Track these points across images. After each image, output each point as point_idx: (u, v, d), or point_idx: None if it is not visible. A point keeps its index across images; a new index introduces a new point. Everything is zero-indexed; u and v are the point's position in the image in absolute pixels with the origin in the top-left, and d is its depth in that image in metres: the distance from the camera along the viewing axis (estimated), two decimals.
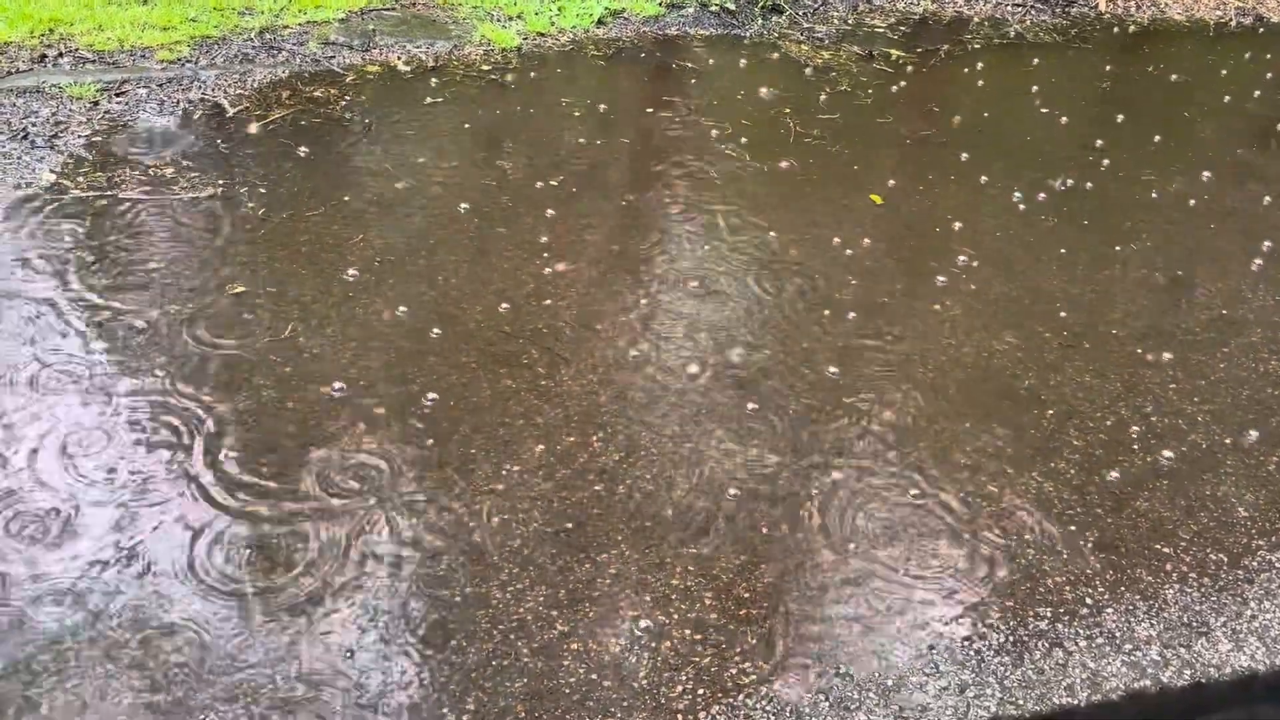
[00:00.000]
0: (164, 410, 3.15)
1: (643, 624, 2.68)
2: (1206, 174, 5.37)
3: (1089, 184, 5.14)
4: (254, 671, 2.45)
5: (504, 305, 3.78)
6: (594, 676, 2.54)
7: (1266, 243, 4.80)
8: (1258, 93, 6.52)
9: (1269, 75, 6.87)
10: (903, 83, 6.10)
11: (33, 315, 3.46)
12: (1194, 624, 2.89)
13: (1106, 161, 5.39)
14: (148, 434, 3.06)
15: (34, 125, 4.57)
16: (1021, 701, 2.59)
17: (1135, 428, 3.58)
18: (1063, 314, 4.13)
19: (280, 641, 2.52)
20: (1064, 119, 5.86)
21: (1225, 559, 3.12)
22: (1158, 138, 5.71)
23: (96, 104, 4.79)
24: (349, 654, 2.51)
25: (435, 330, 3.62)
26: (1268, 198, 5.24)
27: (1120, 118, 5.94)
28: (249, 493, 2.91)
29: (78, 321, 3.46)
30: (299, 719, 2.36)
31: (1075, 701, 2.61)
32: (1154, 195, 5.12)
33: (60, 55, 5.20)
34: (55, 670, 2.40)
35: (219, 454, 3.02)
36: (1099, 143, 5.60)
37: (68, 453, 2.96)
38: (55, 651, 2.44)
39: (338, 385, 3.31)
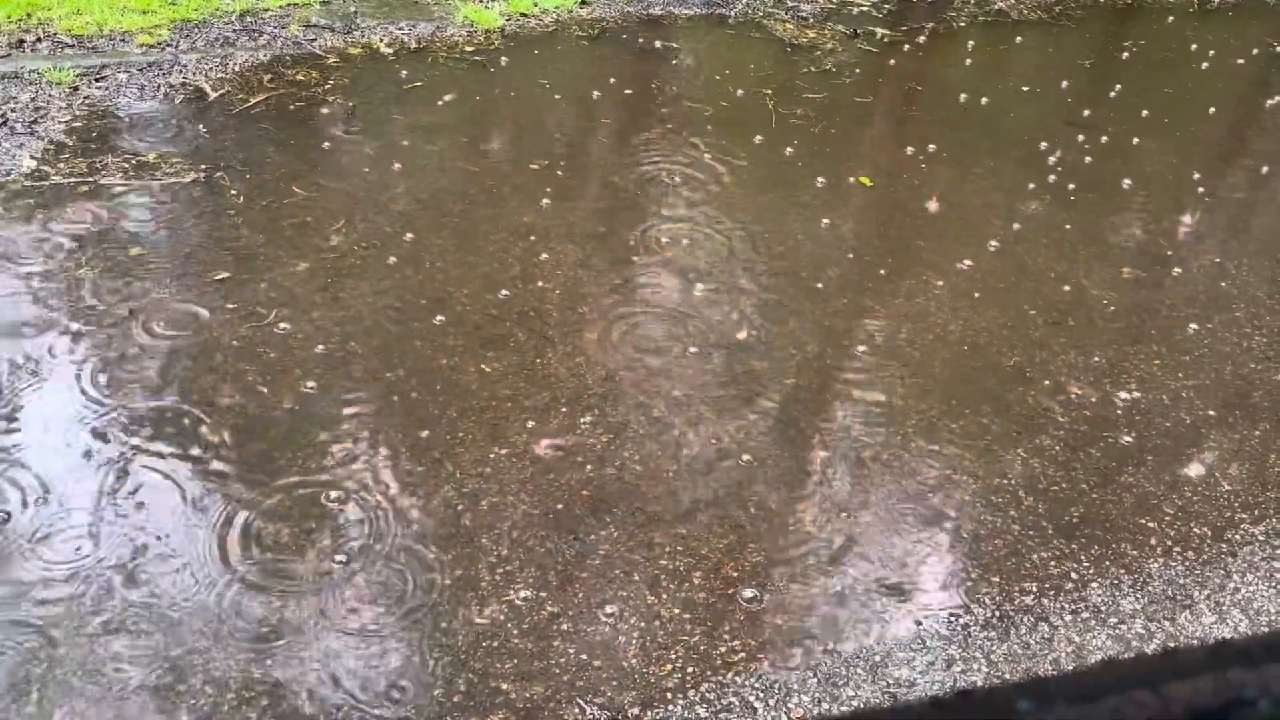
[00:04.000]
0: (153, 399, 3.14)
1: (632, 604, 2.69)
2: (1193, 150, 5.38)
3: (1076, 161, 5.15)
4: (230, 651, 2.45)
5: (490, 288, 3.77)
6: (584, 656, 2.55)
7: (1252, 218, 4.82)
8: (1242, 64, 6.53)
9: (1254, 50, 6.88)
10: (890, 61, 6.09)
11: (16, 305, 3.44)
12: (1178, 597, 2.92)
13: (1093, 138, 5.40)
14: (138, 422, 3.05)
15: (13, 111, 4.52)
16: (1008, 675, 2.62)
17: (1120, 404, 3.60)
18: (1049, 291, 4.14)
19: (269, 618, 2.52)
20: (1050, 96, 5.86)
21: (1209, 532, 3.15)
22: (1145, 113, 5.72)
23: (76, 89, 4.75)
24: (342, 639, 2.52)
25: (421, 314, 3.61)
26: (1257, 171, 5.26)
27: (1106, 94, 5.94)
28: (238, 481, 2.91)
29: (61, 311, 3.44)
30: (293, 697, 2.37)
31: (1058, 674, 2.63)
32: (1146, 170, 5.13)
33: (39, 40, 5.14)
34: None
35: (208, 446, 3.01)
36: (1086, 112, 5.61)
37: (55, 444, 2.95)
38: None
39: (323, 371, 3.30)
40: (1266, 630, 2.81)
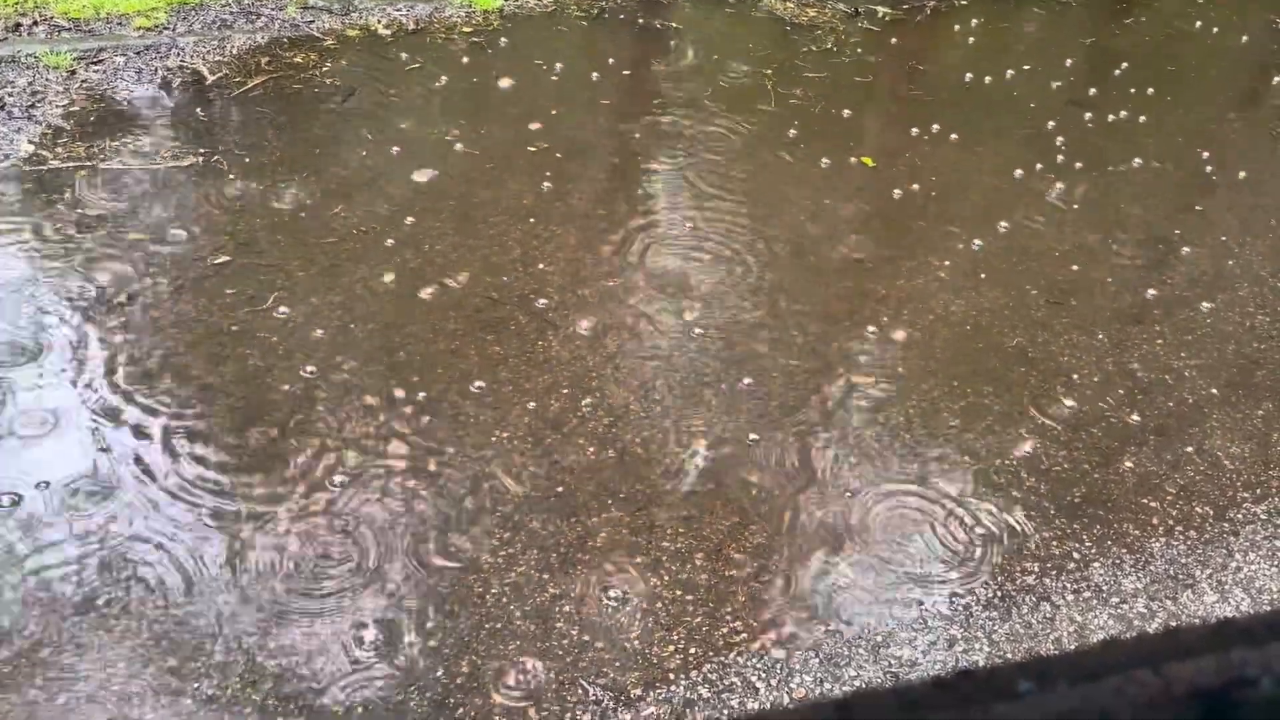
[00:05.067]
0: (147, 384, 3.13)
1: (634, 586, 2.70)
2: (1197, 129, 5.35)
3: (1080, 140, 5.12)
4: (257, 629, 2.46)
5: (490, 271, 3.76)
6: (586, 638, 2.56)
7: (1258, 196, 4.79)
8: (1246, 41, 6.48)
9: (1257, 27, 6.83)
10: (892, 40, 6.04)
11: (13, 294, 3.43)
12: (1180, 576, 2.92)
13: (1098, 117, 5.37)
14: (132, 406, 3.05)
15: (10, 96, 4.50)
16: (1010, 655, 2.62)
17: (1122, 384, 3.59)
18: (1052, 271, 4.13)
19: (269, 601, 2.53)
20: (1054, 75, 5.82)
21: (1211, 512, 3.14)
22: (1150, 91, 5.68)
23: (73, 73, 4.72)
24: (344, 620, 2.52)
25: (421, 298, 3.60)
26: (1262, 149, 5.23)
27: (1111, 72, 5.90)
28: (239, 466, 2.91)
29: (59, 296, 3.43)
30: (294, 672, 2.38)
31: (1060, 653, 2.64)
32: (1151, 149, 5.10)
33: (35, 24, 5.11)
34: None
35: (203, 429, 3.01)
36: (1091, 90, 5.57)
37: (51, 427, 2.95)
38: None
39: (323, 355, 3.30)
40: (1269, 609, 2.82)
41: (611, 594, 2.67)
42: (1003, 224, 4.38)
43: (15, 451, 2.85)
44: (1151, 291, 4.10)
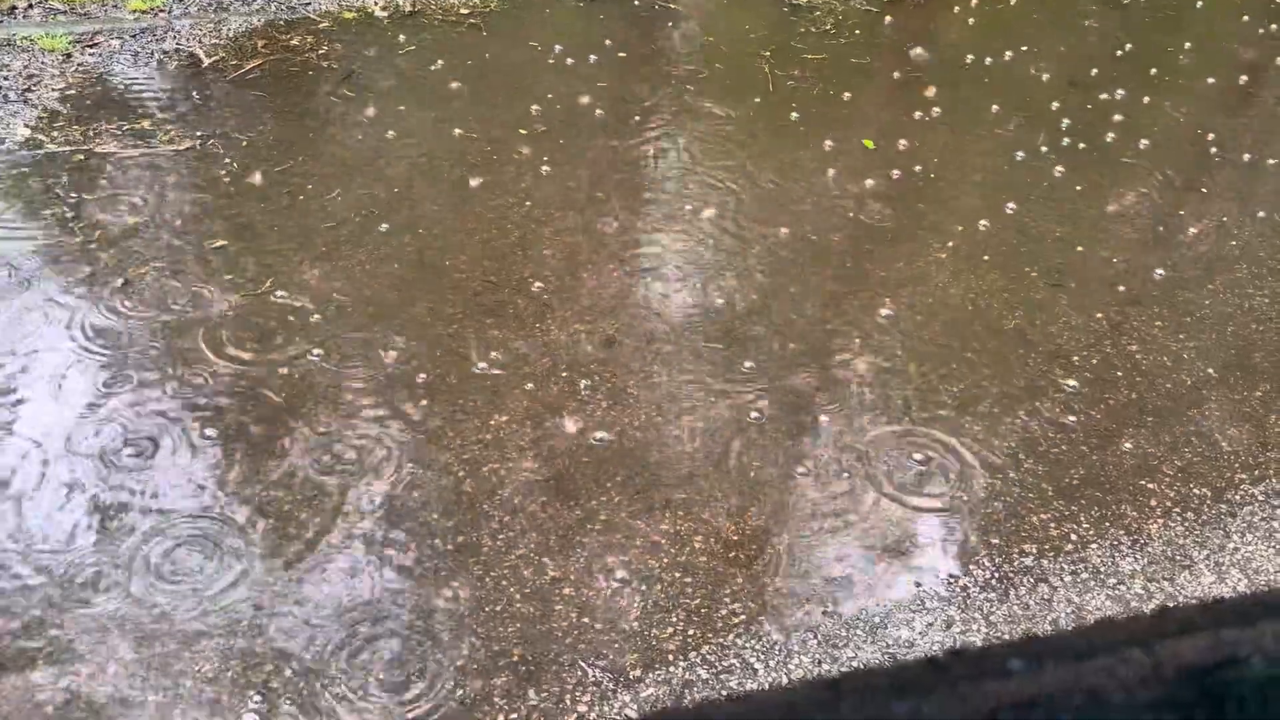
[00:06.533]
0: (143, 371, 3.14)
1: (633, 568, 2.71)
2: (1200, 108, 5.33)
3: (1081, 121, 5.10)
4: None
5: (489, 255, 3.76)
6: (586, 620, 2.57)
7: (1259, 177, 4.78)
8: (1247, 20, 6.45)
9: (1258, 6, 6.79)
10: (891, 20, 6.02)
11: (10, 280, 3.43)
12: (1177, 557, 2.93)
13: (1099, 98, 5.34)
14: (130, 392, 3.05)
15: (6, 79, 4.48)
16: (1007, 636, 2.63)
17: (1121, 365, 3.60)
18: (1051, 253, 4.12)
19: (281, 582, 2.54)
20: (1055, 55, 5.80)
21: (1209, 493, 3.15)
22: (1153, 70, 5.66)
23: (69, 56, 4.70)
24: (345, 606, 2.53)
25: (419, 281, 3.60)
26: (1265, 129, 5.21)
27: (1112, 53, 5.87)
28: (236, 454, 2.91)
29: (56, 283, 3.43)
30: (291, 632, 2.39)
31: (1056, 633, 2.65)
32: (1153, 130, 5.09)
33: (30, 6, 5.08)
34: None
35: (202, 417, 3.01)
36: (1093, 71, 5.55)
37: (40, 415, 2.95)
38: None
39: (320, 339, 3.30)
40: (1265, 589, 2.83)
41: (610, 576, 2.68)
42: (1003, 205, 4.37)
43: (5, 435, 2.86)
44: (1152, 273, 4.10)
